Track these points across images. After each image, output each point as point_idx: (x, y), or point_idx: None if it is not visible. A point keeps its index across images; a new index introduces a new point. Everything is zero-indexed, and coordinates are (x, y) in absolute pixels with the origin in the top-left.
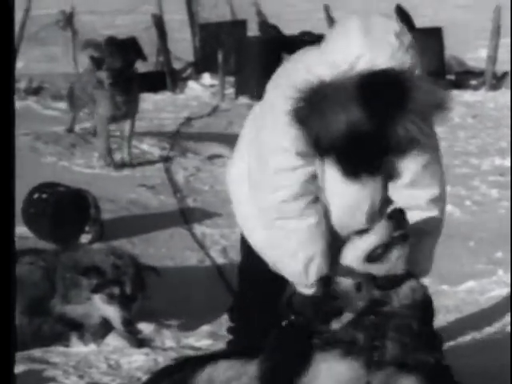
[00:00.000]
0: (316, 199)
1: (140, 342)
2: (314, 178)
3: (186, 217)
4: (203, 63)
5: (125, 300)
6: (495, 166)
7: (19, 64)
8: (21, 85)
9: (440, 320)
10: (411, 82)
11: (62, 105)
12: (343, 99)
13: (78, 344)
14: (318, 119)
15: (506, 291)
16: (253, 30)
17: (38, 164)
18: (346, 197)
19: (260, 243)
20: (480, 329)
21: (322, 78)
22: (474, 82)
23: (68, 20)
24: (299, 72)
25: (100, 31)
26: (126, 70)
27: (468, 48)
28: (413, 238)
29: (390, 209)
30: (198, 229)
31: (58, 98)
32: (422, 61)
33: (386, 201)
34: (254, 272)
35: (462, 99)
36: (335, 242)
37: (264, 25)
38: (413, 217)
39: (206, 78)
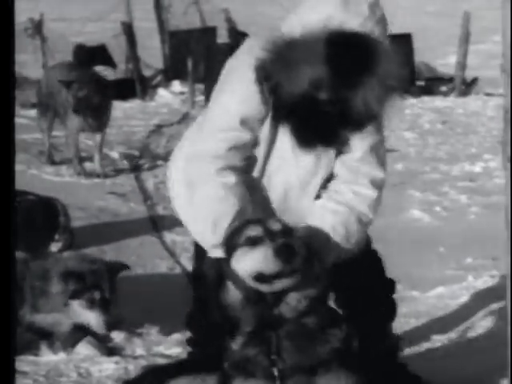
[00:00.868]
0: (243, 168)
1: (110, 350)
2: (247, 147)
3: (156, 224)
4: (173, 70)
5: (104, 304)
6: (465, 172)
7: None
8: None
9: (411, 325)
10: (378, 50)
11: (32, 112)
12: (310, 55)
13: (48, 353)
14: (283, 73)
15: (475, 297)
16: (222, 37)
17: None
18: (297, 168)
19: (179, 205)
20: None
21: (292, 33)
22: (443, 88)
23: (37, 27)
24: (269, 33)
25: (69, 38)
26: (94, 96)
27: (438, 54)
28: (349, 215)
29: (276, 244)
30: (168, 236)
31: (26, 106)
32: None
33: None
34: (205, 278)
35: (432, 105)
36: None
37: (234, 32)
38: (352, 191)
39: (176, 85)
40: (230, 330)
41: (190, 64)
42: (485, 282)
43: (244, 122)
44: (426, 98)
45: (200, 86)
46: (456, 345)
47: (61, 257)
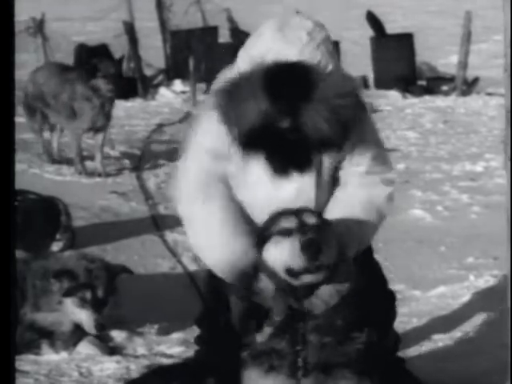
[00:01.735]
0: (221, 198)
1: (112, 349)
2: (220, 178)
3: (158, 224)
4: (174, 70)
5: (97, 304)
6: (466, 172)
7: None
8: None
9: (413, 325)
10: (315, 74)
11: None
12: (252, 90)
13: (49, 352)
14: (234, 110)
15: (477, 296)
16: (224, 37)
17: None
18: (275, 196)
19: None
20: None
21: (240, 71)
22: (444, 88)
23: (38, 27)
24: (227, 71)
25: (71, 38)
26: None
27: (439, 54)
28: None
29: (304, 239)
30: (170, 236)
31: None
32: (336, 57)
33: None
34: (218, 282)
35: (433, 105)
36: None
37: (235, 31)
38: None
39: (178, 84)
40: (258, 320)
41: (191, 63)
42: (486, 281)
43: (211, 153)
44: (427, 98)
45: (201, 86)
46: (457, 344)
47: (61, 256)
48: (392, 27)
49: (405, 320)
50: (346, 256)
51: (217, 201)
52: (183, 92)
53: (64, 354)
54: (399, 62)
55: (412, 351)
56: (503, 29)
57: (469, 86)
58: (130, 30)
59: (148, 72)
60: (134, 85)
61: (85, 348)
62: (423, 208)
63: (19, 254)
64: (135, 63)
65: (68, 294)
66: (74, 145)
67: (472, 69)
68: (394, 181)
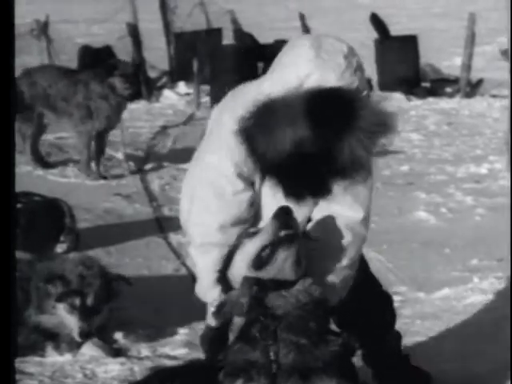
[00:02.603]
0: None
1: (116, 351)
2: (253, 203)
3: (162, 226)
4: (178, 72)
5: (85, 311)
6: (470, 174)
7: None
8: None
9: (417, 326)
10: (358, 102)
11: None
12: (290, 116)
13: (54, 354)
14: (265, 136)
15: (481, 298)
16: (228, 39)
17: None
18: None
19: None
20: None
21: (271, 95)
22: (448, 90)
23: (42, 29)
24: (249, 92)
25: (75, 40)
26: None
27: (443, 56)
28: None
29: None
30: (174, 238)
31: None
32: (366, 83)
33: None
34: None
35: (438, 107)
36: None
37: (239, 33)
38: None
39: (182, 86)
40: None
41: (195, 65)
42: (490, 283)
43: (241, 178)
44: (431, 100)
45: (205, 88)
46: (461, 346)
47: (66, 258)
48: (396, 29)
49: (409, 322)
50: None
51: None
52: (187, 94)
53: (68, 356)
54: (403, 63)
55: (416, 352)
56: (507, 31)
57: (473, 88)
58: (134, 31)
59: (152, 74)
60: (137, 87)
61: (89, 350)
62: (427, 210)
63: (24, 255)
64: (139, 65)
65: (59, 299)
66: (83, 146)
67: (476, 71)
68: (365, 225)
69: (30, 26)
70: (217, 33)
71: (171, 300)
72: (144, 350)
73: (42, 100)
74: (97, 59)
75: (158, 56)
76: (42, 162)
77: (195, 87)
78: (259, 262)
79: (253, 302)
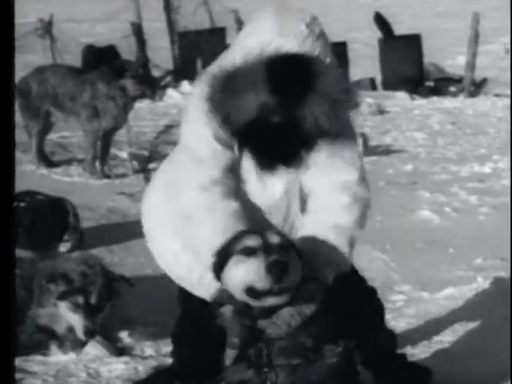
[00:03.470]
0: (235, 187)
1: (119, 350)
2: (234, 164)
3: None
4: (182, 71)
5: (89, 310)
6: (474, 173)
7: None
8: None
9: (420, 326)
10: (318, 67)
11: None
12: (253, 82)
13: (58, 353)
14: (230, 101)
15: (485, 298)
16: (232, 38)
17: (17, 172)
18: (262, 193)
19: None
20: (462, 334)
21: (235, 62)
22: (452, 89)
23: (46, 28)
24: (217, 62)
25: (79, 39)
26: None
27: (447, 55)
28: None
29: (270, 259)
30: None
31: None
32: (330, 50)
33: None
34: (190, 298)
35: (441, 106)
36: None
37: None
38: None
39: (185, 85)
40: (221, 342)
41: (199, 64)
42: (494, 282)
43: (219, 140)
44: (435, 99)
45: None
46: (465, 346)
47: (69, 257)
48: (400, 28)
49: (412, 321)
50: (325, 278)
51: (234, 200)
52: (191, 93)
53: (72, 355)
54: (407, 63)
55: (419, 352)
56: (511, 30)
57: (477, 87)
58: (138, 31)
59: (156, 73)
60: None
61: (93, 349)
62: (431, 209)
63: (27, 254)
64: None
65: (61, 297)
66: (89, 145)
67: (480, 70)
68: (365, 197)
69: (34, 25)
70: (220, 32)
71: (174, 299)
72: (148, 349)
73: (50, 98)
74: (101, 58)
75: (161, 55)
76: (46, 160)
77: None
78: (254, 293)
79: (245, 329)
